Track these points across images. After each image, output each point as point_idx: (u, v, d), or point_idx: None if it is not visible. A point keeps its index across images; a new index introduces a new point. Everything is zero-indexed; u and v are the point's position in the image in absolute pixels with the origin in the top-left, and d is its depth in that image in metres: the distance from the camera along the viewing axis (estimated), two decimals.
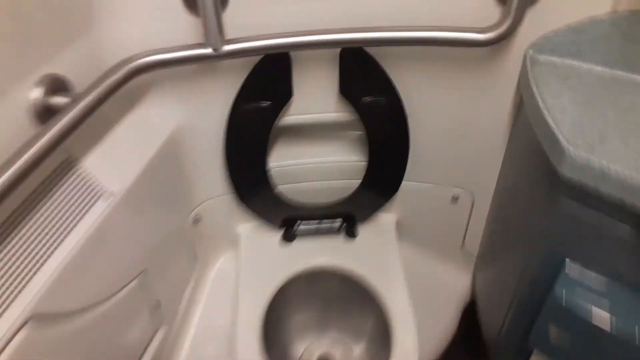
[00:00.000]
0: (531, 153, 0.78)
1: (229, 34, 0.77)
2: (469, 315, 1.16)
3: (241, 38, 0.77)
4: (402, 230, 1.14)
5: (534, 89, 0.73)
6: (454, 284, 1.19)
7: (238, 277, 1.03)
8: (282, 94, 0.88)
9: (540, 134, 0.69)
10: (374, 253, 1.07)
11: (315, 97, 0.92)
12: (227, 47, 0.77)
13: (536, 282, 0.78)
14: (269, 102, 0.88)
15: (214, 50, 0.76)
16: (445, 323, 1.16)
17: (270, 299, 0.99)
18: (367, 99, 0.89)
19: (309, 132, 1.05)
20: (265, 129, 0.92)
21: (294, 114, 0.93)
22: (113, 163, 0.77)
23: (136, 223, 0.82)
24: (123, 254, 0.80)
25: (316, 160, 1.04)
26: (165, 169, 0.89)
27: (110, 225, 0.73)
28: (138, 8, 0.76)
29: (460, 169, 1.01)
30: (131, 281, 0.83)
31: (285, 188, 1.05)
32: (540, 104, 0.69)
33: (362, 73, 0.86)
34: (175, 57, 0.76)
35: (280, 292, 1.02)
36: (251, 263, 1.06)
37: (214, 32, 0.74)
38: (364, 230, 1.11)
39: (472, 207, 1.06)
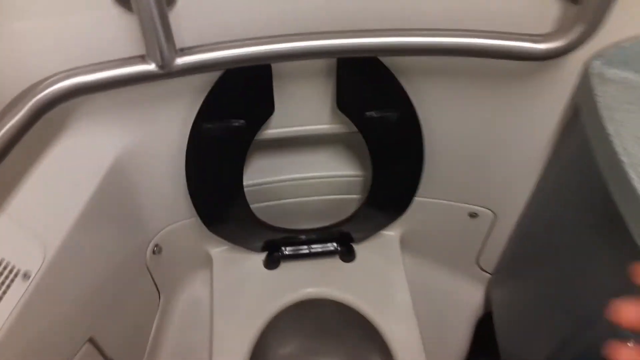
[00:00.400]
0: (594, 198, 0.60)
1: (182, 40, 0.54)
2: (482, 331, 1.04)
3: (199, 47, 0.54)
4: (405, 242, 0.97)
5: (607, 124, 0.53)
6: (465, 298, 1.04)
7: (212, 315, 0.86)
8: (261, 111, 0.66)
9: (619, 194, 0.50)
10: (375, 277, 0.90)
11: (303, 111, 0.70)
12: (180, 61, 0.54)
13: (590, 350, 0.63)
14: (242, 121, 0.66)
15: (160, 66, 0.53)
16: (457, 338, 1.04)
17: (252, 341, 0.83)
18: (372, 113, 0.68)
19: (294, 143, 0.84)
20: (239, 149, 0.71)
21: (275, 128, 0.72)
22: (28, 227, 0.56)
23: (72, 291, 0.63)
24: (58, 333, 0.61)
25: (302, 175, 0.84)
26: (108, 208, 0.68)
27: (34, 310, 0.54)
28: (43, 2, 0.52)
29: (482, 187, 0.82)
30: (74, 357, 0.65)
31: (264, 208, 0.85)
32: (622, 157, 0.49)
33: (366, 83, 0.65)
34: (104, 79, 0.52)
35: (264, 328, 0.85)
36: (227, 295, 0.88)
37: (159, 39, 0.51)
38: (363, 250, 0.93)
39: (491, 226, 0.89)
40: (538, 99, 0.66)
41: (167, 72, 0.54)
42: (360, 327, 0.87)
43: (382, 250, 0.93)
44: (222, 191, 0.76)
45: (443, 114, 0.70)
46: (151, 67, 0.53)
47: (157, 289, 0.90)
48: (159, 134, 0.68)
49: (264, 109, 0.66)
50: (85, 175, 0.63)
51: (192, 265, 0.97)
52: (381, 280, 0.90)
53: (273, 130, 0.72)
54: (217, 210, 0.79)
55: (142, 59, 0.53)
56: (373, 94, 0.66)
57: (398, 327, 0.85)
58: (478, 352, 1.06)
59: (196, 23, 0.55)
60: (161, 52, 0.52)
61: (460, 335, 1.04)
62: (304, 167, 0.84)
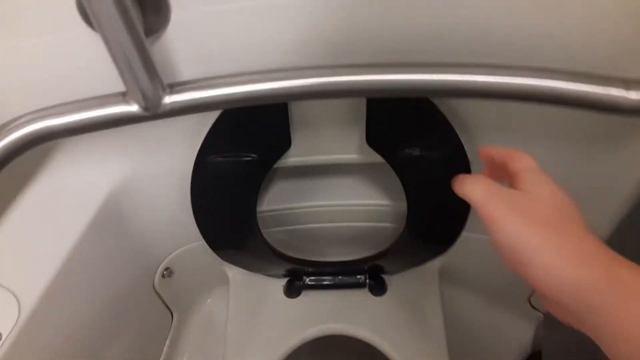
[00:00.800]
0: None
1: (176, 72, 0.44)
2: None
3: (193, 83, 0.44)
4: (446, 273, 0.85)
5: None
6: (512, 336, 0.92)
7: (226, 344, 0.79)
8: (275, 145, 0.56)
9: None
10: (407, 315, 0.79)
11: (326, 142, 0.59)
12: (169, 100, 0.44)
13: None
14: (253, 155, 0.56)
15: (144, 107, 0.43)
16: None
17: None
18: (409, 151, 0.56)
19: (317, 169, 0.73)
20: (251, 182, 0.61)
21: (294, 157, 0.62)
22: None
23: (62, 339, 0.56)
24: None
25: (327, 202, 0.73)
26: (103, 246, 0.60)
27: None
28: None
29: None
30: None
31: (286, 232, 0.76)
32: None
33: (402, 118, 0.53)
34: (77, 122, 0.43)
35: None
36: (243, 323, 0.80)
37: (137, 76, 0.41)
38: (396, 281, 0.82)
39: None
40: (622, 151, 0.51)
41: (152, 114, 0.44)
42: None
43: (418, 282, 0.82)
44: (233, 223, 0.67)
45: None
46: (133, 108, 0.44)
47: (169, 309, 0.84)
48: (159, 164, 0.59)
49: (279, 143, 0.55)
50: (72, 215, 0.55)
51: (207, 284, 0.90)
52: (414, 319, 0.80)
53: (292, 159, 0.62)
54: (228, 241, 0.70)
55: (122, 97, 0.44)
56: (410, 131, 0.54)
57: None
58: None
59: (191, 52, 0.45)
60: (144, 92, 0.42)
61: None
62: (328, 193, 0.73)
